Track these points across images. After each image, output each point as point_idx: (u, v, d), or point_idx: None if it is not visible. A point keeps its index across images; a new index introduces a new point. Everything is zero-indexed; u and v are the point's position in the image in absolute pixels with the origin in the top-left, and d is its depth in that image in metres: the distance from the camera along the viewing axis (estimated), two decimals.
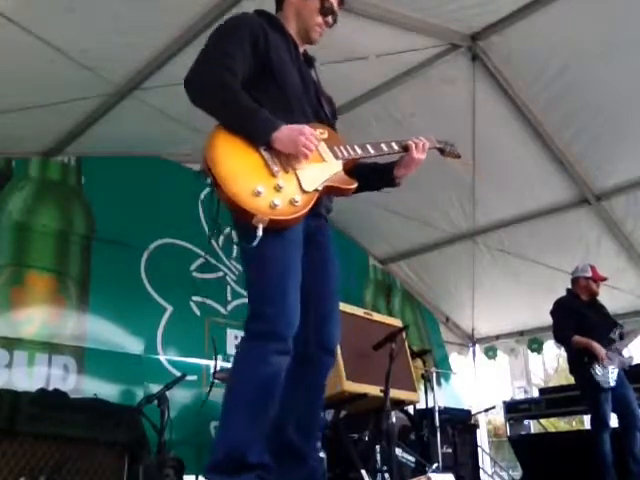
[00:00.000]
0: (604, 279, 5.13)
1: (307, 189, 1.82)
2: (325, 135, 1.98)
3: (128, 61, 4.21)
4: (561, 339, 4.99)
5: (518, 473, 6.56)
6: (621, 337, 4.86)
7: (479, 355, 8.48)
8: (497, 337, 8.30)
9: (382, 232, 7.24)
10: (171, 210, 5.55)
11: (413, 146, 2.14)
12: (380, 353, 3.23)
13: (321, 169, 1.89)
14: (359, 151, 2.02)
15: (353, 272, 7.33)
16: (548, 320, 5.20)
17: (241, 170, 1.75)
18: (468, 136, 5.33)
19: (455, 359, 8.43)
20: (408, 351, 3.64)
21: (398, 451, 4.00)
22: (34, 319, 4.79)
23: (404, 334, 3.47)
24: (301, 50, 2.16)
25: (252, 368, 1.80)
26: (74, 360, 4.86)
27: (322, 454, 3.61)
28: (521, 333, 8.07)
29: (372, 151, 2.06)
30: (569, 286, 5.21)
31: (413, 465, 4.25)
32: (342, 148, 1.99)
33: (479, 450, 6.38)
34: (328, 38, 4.26)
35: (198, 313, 5.68)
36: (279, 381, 1.81)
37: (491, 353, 8.40)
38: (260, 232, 1.72)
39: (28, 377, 4.55)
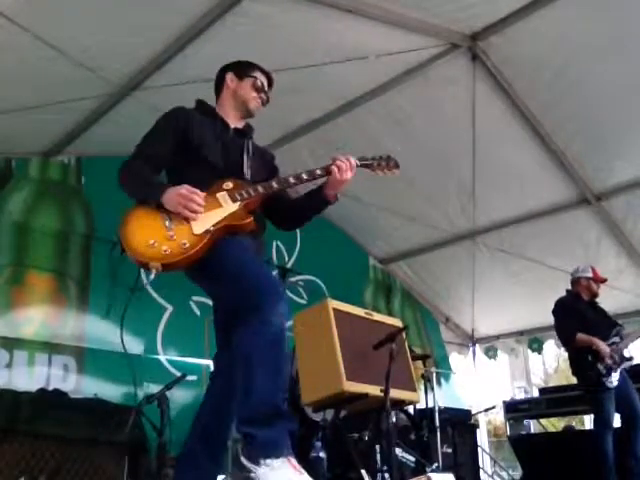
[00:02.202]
0: (604, 280, 5.13)
1: (197, 232, 2.19)
2: (230, 186, 2.34)
3: (128, 61, 4.21)
4: (565, 338, 4.97)
5: (518, 473, 6.56)
6: (621, 337, 4.86)
7: (479, 355, 8.48)
8: (497, 337, 8.30)
9: (382, 232, 7.24)
10: None
11: (335, 170, 2.38)
12: (380, 353, 3.22)
13: (215, 214, 2.25)
14: (260, 189, 2.34)
15: (353, 272, 7.33)
16: (548, 320, 5.20)
17: (141, 232, 2.20)
18: (468, 136, 5.34)
19: (455, 359, 8.44)
20: (408, 351, 3.63)
21: (398, 451, 4.00)
22: (34, 319, 4.79)
23: (404, 334, 3.46)
24: (238, 125, 2.57)
25: (261, 334, 2.01)
26: (74, 360, 4.86)
27: (322, 454, 3.61)
28: (521, 333, 8.07)
29: (275, 186, 2.37)
30: (569, 286, 5.21)
31: (413, 465, 4.25)
32: (242, 192, 2.31)
33: (479, 450, 6.38)
34: (329, 38, 4.28)
35: (198, 313, 5.68)
36: (285, 336, 2.07)
37: (491, 353, 8.40)
38: (153, 275, 2.20)
39: (28, 377, 4.55)
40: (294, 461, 1.90)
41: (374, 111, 5.33)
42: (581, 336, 4.72)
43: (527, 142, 5.43)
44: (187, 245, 2.16)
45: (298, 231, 6.45)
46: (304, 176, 2.39)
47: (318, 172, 2.40)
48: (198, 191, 2.24)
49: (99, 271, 5.14)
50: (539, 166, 5.66)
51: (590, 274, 5.08)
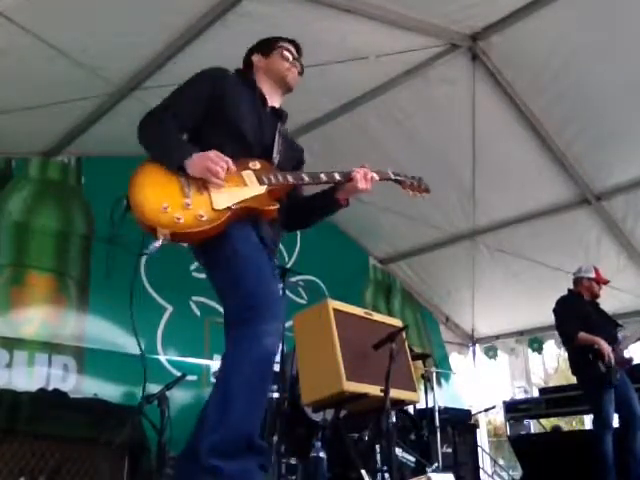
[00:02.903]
0: (607, 282, 5.13)
1: (217, 207, 1.99)
2: (257, 166, 2.18)
3: (128, 61, 4.21)
4: (566, 336, 4.98)
5: (518, 473, 6.56)
6: (622, 338, 4.86)
7: (479, 355, 8.48)
8: (497, 337, 8.30)
9: (382, 232, 7.24)
10: None
11: (357, 177, 2.26)
12: (380, 353, 3.22)
13: (239, 191, 2.08)
14: (290, 179, 2.19)
15: (353, 272, 7.33)
16: (548, 320, 5.20)
17: (154, 192, 1.98)
18: (468, 136, 5.34)
19: (455, 359, 8.44)
20: (408, 351, 3.64)
21: (398, 451, 4.01)
22: (34, 319, 4.79)
23: (404, 334, 3.47)
24: (275, 104, 2.43)
25: (246, 351, 1.86)
26: (74, 360, 4.86)
27: (322, 454, 3.61)
28: (521, 333, 8.07)
29: (307, 179, 2.22)
30: (570, 286, 5.21)
31: (413, 465, 4.26)
32: (270, 176, 2.16)
33: (479, 450, 6.38)
34: (329, 38, 4.28)
35: (198, 313, 5.68)
36: (272, 363, 1.92)
37: (491, 353, 8.40)
38: (159, 243, 1.93)
39: (28, 377, 4.55)
40: None
41: (374, 111, 5.33)
42: (583, 335, 4.72)
43: (527, 142, 5.43)
44: (204, 218, 1.96)
45: (298, 231, 6.46)
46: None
47: (337, 177, 2.29)
48: (229, 159, 2.06)
49: (99, 271, 5.14)
50: (539, 166, 5.66)
51: (593, 275, 5.08)
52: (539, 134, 5.33)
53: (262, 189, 2.12)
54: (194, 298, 5.66)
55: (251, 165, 2.17)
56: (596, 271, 5.11)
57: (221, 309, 2.17)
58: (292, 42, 2.49)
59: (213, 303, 5.71)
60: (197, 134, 2.24)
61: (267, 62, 2.43)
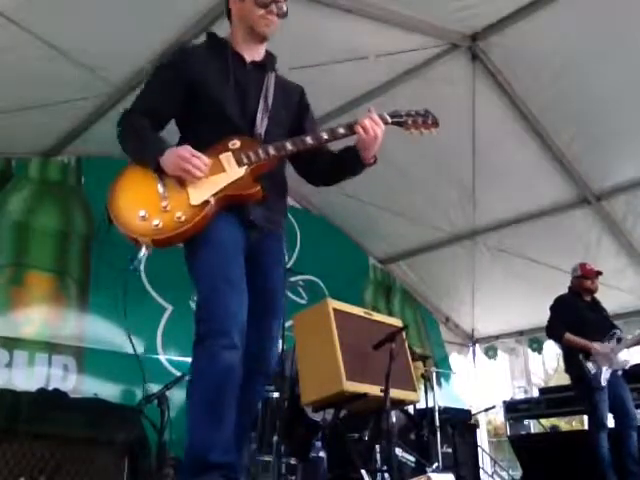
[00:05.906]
0: (597, 273, 5.12)
1: (195, 203, 1.90)
2: (237, 145, 2.00)
3: (128, 61, 4.21)
4: (553, 336, 5.04)
5: (518, 473, 6.55)
6: (618, 340, 4.86)
7: (479, 355, 8.48)
8: (497, 337, 8.30)
9: (382, 232, 7.23)
10: None
11: (360, 130, 2.05)
12: (380, 353, 3.23)
13: (217, 179, 1.94)
14: (272, 151, 2.00)
15: (353, 272, 7.33)
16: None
17: (130, 199, 1.90)
18: (468, 136, 5.33)
19: (455, 359, 8.43)
20: (408, 351, 3.64)
21: (398, 451, 4.00)
22: (34, 319, 4.79)
23: (404, 334, 3.47)
24: (255, 57, 2.19)
25: (203, 368, 1.84)
26: (74, 360, 4.86)
27: (322, 454, 3.62)
28: (521, 333, 8.07)
29: (289, 147, 2.03)
30: (569, 286, 5.22)
31: (413, 465, 4.25)
32: (250, 153, 1.98)
33: (479, 450, 6.38)
34: (329, 38, 4.28)
35: None
36: (233, 376, 1.84)
37: (491, 353, 8.39)
38: (142, 253, 1.89)
39: (28, 377, 4.55)
40: None
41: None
42: (569, 336, 4.75)
43: (527, 142, 5.42)
44: (182, 219, 1.87)
45: (298, 231, 6.46)
46: (324, 136, 2.07)
47: (341, 131, 2.08)
48: (200, 154, 1.93)
49: (99, 271, 5.14)
50: (539, 166, 5.65)
51: (578, 272, 5.12)
52: (539, 134, 5.33)
53: (241, 171, 1.97)
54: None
55: (230, 145, 2.00)
56: (581, 267, 5.14)
57: None
58: None
59: None
60: (182, 123, 2.13)
61: (240, 6, 2.13)
